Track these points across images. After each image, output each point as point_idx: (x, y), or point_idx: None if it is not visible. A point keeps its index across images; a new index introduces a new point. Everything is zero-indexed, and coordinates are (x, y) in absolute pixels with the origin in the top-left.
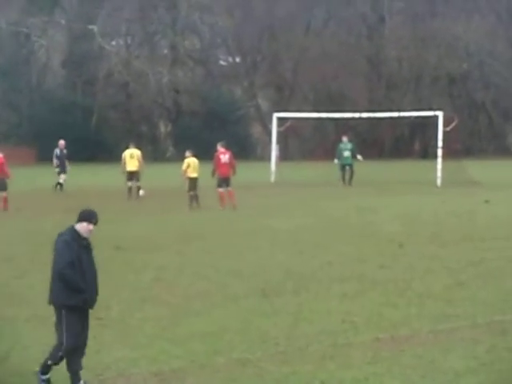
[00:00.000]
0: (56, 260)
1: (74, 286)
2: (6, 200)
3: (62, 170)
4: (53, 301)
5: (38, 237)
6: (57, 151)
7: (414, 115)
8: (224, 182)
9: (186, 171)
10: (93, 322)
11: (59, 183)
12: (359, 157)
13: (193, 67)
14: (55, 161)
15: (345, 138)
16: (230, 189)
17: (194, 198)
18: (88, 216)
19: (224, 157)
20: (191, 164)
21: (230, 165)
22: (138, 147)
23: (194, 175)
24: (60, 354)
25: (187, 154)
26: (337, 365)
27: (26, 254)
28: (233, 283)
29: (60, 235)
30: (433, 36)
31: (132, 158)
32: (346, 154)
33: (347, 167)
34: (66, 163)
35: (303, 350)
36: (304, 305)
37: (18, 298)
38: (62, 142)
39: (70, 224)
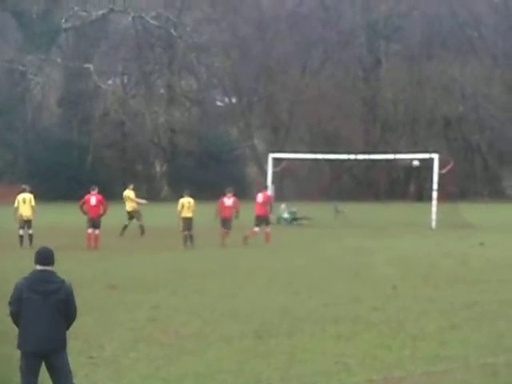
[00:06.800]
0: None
1: None
2: None
3: None
4: (60, 345)
5: None
6: None
7: (409, 158)
8: (226, 222)
9: (180, 211)
10: (85, 361)
11: None
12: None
13: (189, 107)
14: None
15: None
16: (227, 230)
17: (189, 238)
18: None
19: (228, 200)
20: (185, 204)
21: (234, 208)
22: (132, 188)
23: (189, 215)
24: None
25: (184, 194)
26: None
27: None
28: (227, 323)
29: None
30: (429, 78)
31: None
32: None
33: None
34: None
35: None
36: (298, 346)
37: (13, 336)
38: None
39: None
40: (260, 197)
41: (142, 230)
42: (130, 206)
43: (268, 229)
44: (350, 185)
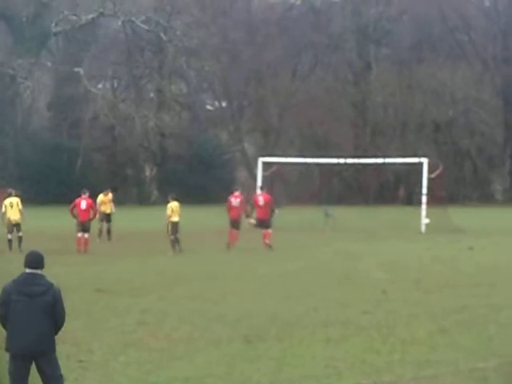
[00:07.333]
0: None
1: None
2: None
3: None
4: (48, 348)
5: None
6: None
7: (398, 162)
8: (235, 223)
9: (170, 216)
10: (74, 365)
11: None
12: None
13: (179, 111)
14: None
15: None
16: (237, 231)
17: (176, 242)
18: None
19: (235, 200)
20: (174, 208)
21: (241, 208)
22: (105, 194)
23: (176, 219)
24: None
25: (169, 198)
26: None
27: None
28: (217, 328)
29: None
30: (419, 83)
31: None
32: None
33: None
34: None
35: None
36: (288, 350)
37: (1, 339)
38: None
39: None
40: (261, 200)
41: (100, 233)
42: (108, 208)
43: (270, 230)
44: (340, 189)
